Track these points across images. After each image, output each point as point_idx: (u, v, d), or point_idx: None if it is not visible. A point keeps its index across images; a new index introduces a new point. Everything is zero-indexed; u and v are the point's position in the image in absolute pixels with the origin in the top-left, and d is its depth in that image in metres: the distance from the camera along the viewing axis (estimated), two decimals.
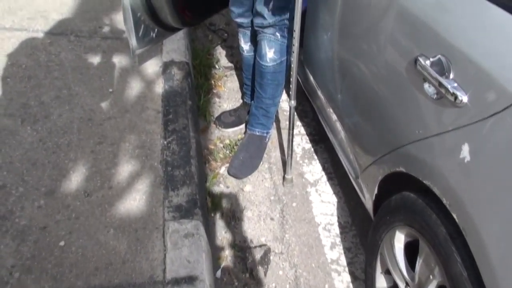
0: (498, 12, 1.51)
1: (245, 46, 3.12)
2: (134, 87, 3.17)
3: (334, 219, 2.86)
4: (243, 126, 3.41)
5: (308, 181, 3.09)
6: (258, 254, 2.62)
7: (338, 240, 2.75)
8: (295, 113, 3.53)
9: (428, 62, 1.64)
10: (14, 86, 3.04)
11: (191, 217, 2.39)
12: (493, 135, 1.42)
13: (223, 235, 2.70)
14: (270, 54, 2.81)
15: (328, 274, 2.58)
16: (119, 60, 3.39)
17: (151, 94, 3.13)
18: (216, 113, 3.49)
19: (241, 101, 3.57)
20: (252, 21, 2.86)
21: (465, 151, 1.49)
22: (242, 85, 3.53)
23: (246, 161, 3.06)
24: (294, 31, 2.51)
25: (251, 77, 3.23)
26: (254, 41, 2.98)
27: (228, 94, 3.73)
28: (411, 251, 1.94)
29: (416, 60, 1.69)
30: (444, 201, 1.58)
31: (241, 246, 2.66)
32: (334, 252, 2.69)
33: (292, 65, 2.64)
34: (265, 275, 2.54)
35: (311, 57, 2.93)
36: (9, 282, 2.05)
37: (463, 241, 1.53)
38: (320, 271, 2.59)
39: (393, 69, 1.91)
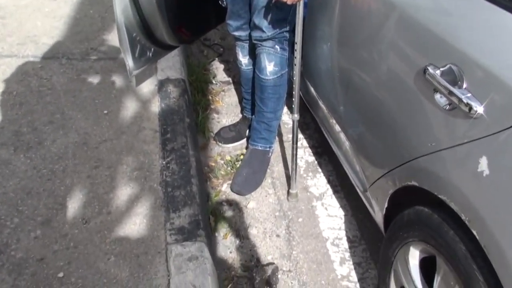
0: None
1: (244, 59, 3.04)
2: (130, 108, 3.10)
3: (342, 234, 2.78)
4: (243, 141, 3.34)
5: (314, 195, 3.01)
6: (265, 273, 2.54)
7: (347, 255, 2.66)
8: None
9: (438, 72, 1.56)
10: (5, 113, 2.96)
11: (195, 239, 2.32)
12: None
13: (228, 255, 2.62)
14: (270, 67, 2.74)
15: None
16: (113, 81, 3.32)
17: (147, 114, 3.06)
18: (215, 129, 3.42)
19: (240, 115, 3.50)
20: (250, 34, 2.78)
21: (483, 165, 1.40)
22: (240, 99, 3.46)
23: (249, 177, 2.98)
24: (296, 43, 2.44)
25: (250, 91, 3.16)
26: (253, 54, 2.90)
27: (226, 109, 3.66)
28: (427, 267, 1.85)
29: (425, 70, 1.61)
30: (463, 217, 1.49)
31: (248, 266, 2.57)
32: (344, 268, 2.60)
33: (294, 78, 2.56)
34: None
35: (311, 69, 2.86)
36: None
37: (484, 259, 1.44)
38: None
39: (400, 80, 1.83)
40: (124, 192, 2.53)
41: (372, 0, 2.06)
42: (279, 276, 2.53)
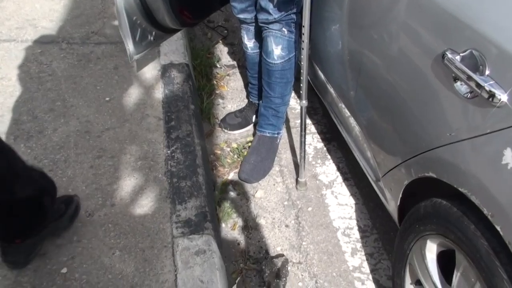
0: None
1: (249, 43, 2.97)
2: (133, 94, 3.04)
3: (353, 223, 2.73)
4: (250, 127, 3.29)
5: (323, 183, 2.96)
6: (275, 266, 2.50)
7: (359, 245, 2.62)
8: None
9: (457, 57, 1.50)
10: (4, 101, 2.91)
11: (202, 231, 2.27)
12: None
13: (236, 247, 2.59)
14: (277, 51, 2.68)
15: (351, 283, 2.46)
16: (114, 66, 3.26)
17: (150, 101, 3.00)
18: (221, 115, 3.37)
19: (246, 100, 3.44)
20: (255, 17, 2.71)
21: (507, 157, 1.34)
22: (246, 83, 3.41)
23: (257, 164, 2.94)
24: (303, 25, 2.37)
25: (257, 75, 3.10)
26: (259, 37, 2.84)
27: (232, 94, 3.61)
28: (445, 260, 1.80)
29: (443, 55, 1.54)
30: (485, 212, 1.43)
31: (256, 258, 2.54)
32: (356, 259, 2.56)
33: (302, 63, 2.50)
34: None
35: (319, 52, 2.80)
36: None
37: (508, 255, 1.39)
38: (342, 280, 2.47)
39: (416, 65, 1.77)
40: (128, 183, 2.48)
41: None
42: (289, 268, 2.50)
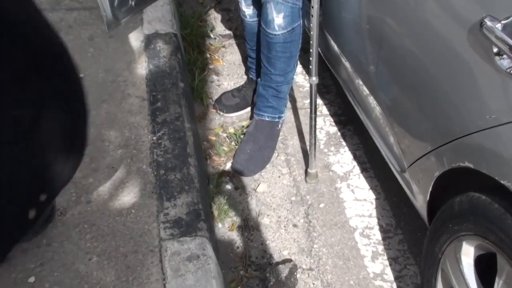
0: None
1: (247, 10, 2.99)
2: (111, 70, 3.06)
3: (374, 222, 2.76)
4: (249, 109, 3.32)
5: (337, 175, 2.99)
6: (281, 273, 2.53)
7: (380, 248, 2.65)
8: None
9: (498, 26, 1.50)
10: None
11: (194, 233, 2.29)
12: None
13: (235, 251, 2.62)
14: (278, 20, 2.67)
15: None
16: (89, 37, 3.27)
17: (132, 78, 3.02)
18: (216, 95, 3.40)
19: (245, 77, 3.47)
20: None
21: None
22: (245, 57, 3.42)
23: (254, 154, 2.96)
24: None
25: (256, 47, 3.11)
26: (258, 3, 2.84)
27: (228, 70, 3.64)
28: (484, 266, 1.82)
29: (481, 23, 1.54)
30: None
31: (259, 264, 2.57)
32: (377, 264, 2.59)
33: (311, 32, 2.50)
34: None
35: (332, 19, 2.81)
36: None
37: None
38: None
39: (448, 34, 1.77)
40: (106, 176, 2.50)
41: None
42: (297, 275, 2.52)
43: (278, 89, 2.94)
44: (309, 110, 2.78)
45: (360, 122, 2.79)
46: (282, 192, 2.88)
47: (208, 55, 3.69)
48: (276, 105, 3.00)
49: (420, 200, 2.19)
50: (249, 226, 2.72)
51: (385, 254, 2.63)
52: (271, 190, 2.89)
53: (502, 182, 1.55)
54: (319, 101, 3.42)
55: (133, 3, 2.83)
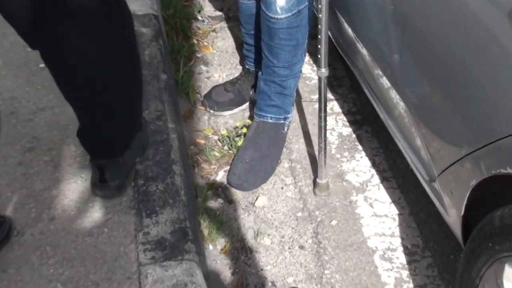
0: None
1: None
2: None
3: (397, 242, 2.77)
4: (246, 105, 3.34)
5: (352, 185, 3.01)
6: None
7: (405, 274, 2.66)
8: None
9: None
10: None
11: (181, 256, 2.29)
12: None
13: (228, 278, 2.63)
14: (281, 1, 2.68)
15: None
16: None
17: None
18: (205, 89, 3.43)
19: (239, 67, 3.49)
20: None
21: None
22: (240, 43, 3.43)
23: (255, 164, 2.96)
24: None
25: (253, 32, 3.13)
26: None
27: (219, 58, 3.67)
28: None
29: None
30: None
31: None
32: None
33: (319, 15, 2.50)
34: None
35: None
36: None
37: None
38: None
39: (486, 18, 1.80)
40: (73, 187, 2.50)
41: None
42: None
43: (283, 84, 2.94)
44: (317, 107, 2.79)
45: (379, 121, 2.81)
46: (285, 207, 2.90)
47: (195, 41, 3.72)
48: (280, 104, 3.00)
49: (453, 215, 2.20)
50: (246, 247, 2.73)
51: (411, 281, 2.63)
52: (273, 205, 2.91)
53: None
54: (330, 95, 3.44)
55: None
